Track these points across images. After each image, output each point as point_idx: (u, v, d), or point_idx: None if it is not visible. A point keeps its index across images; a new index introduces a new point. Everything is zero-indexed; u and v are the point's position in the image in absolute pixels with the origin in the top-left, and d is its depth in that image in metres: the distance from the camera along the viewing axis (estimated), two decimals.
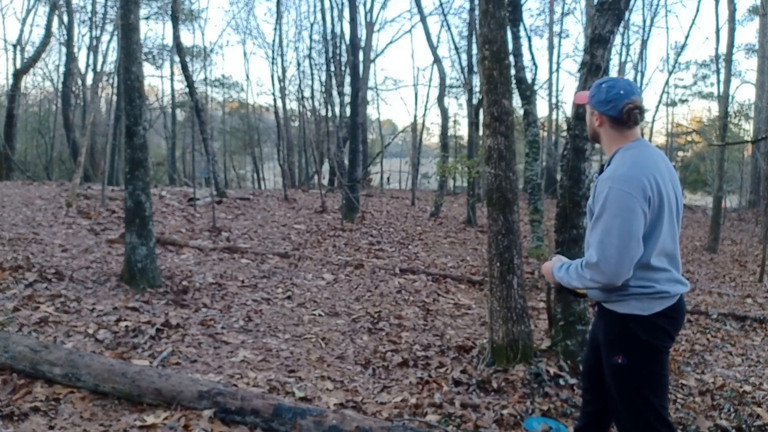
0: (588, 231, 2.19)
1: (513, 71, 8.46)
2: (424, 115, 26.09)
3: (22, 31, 25.10)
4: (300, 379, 3.48)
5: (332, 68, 21.39)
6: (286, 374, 3.56)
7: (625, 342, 2.02)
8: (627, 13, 15.40)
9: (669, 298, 2.00)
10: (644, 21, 25.91)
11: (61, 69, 21.46)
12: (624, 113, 2.01)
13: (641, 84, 18.38)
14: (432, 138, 35.59)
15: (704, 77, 26.21)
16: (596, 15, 3.78)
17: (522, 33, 9.64)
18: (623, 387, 2.05)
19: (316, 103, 25.12)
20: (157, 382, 2.82)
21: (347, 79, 19.06)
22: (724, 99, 14.62)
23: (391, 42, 63.91)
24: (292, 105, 27.78)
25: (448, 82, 21.48)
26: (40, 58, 20.32)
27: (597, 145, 2.63)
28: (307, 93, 24.83)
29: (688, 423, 3.17)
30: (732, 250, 13.34)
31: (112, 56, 21.98)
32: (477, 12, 11.58)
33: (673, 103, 26.95)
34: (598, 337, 2.17)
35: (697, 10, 32.23)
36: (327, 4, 23.84)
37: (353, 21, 13.56)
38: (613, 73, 22.25)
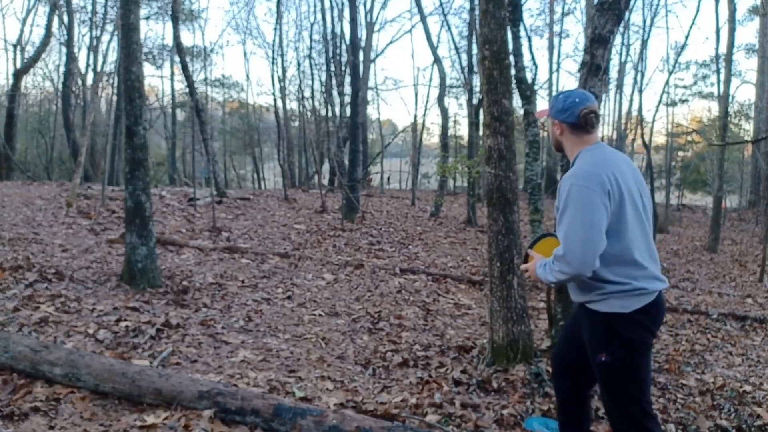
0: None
1: (513, 71, 8.44)
2: (424, 115, 26.12)
3: (22, 31, 25.28)
4: (300, 379, 3.48)
5: (332, 68, 21.39)
6: (286, 374, 3.56)
7: (607, 340, 2.11)
8: (627, 13, 15.39)
9: (647, 294, 2.08)
10: (644, 21, 25.92)
11: (61, 69, 21.50)
12: (581, 118, 2.16)
13: (641, 84, 18.40)
14: (432, 138, 35.63)
15: (704, 77, 26.24)
16: (596, 15, 3.79)
17: (522, 33, 9.59)
18: (609, 383, 2.15)
19: (316, 103, 25.17)
20: (157, 382, 2.82)
21: (347, 79, 19.06)
22: (724, 99, 14.63)
23: (391, 42, 64.05)
24: (292, 105, 27.82)
25: (448, 82, 21.46)
26: (40, 58, 20.34)
27: None
28: (307, 93, 24.88)
29: (688, 423, 3.16)
30: (732, 250, 13.34)
31: (112, 56, 22.04)
32: (477, 12, 11.58)
33: (673, 103, 26.92)
34: (581, 332, 2.26)
35: (697, 10, 32.11)
36: (327, 4, 23.89)
37: (353, 21, 13.56)
38: (613, 73, 22.30)
